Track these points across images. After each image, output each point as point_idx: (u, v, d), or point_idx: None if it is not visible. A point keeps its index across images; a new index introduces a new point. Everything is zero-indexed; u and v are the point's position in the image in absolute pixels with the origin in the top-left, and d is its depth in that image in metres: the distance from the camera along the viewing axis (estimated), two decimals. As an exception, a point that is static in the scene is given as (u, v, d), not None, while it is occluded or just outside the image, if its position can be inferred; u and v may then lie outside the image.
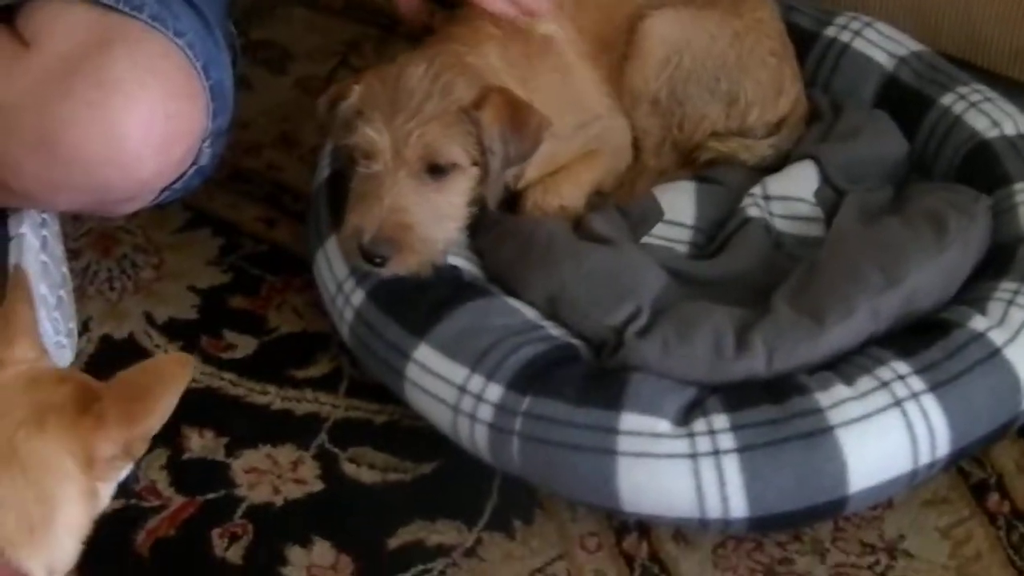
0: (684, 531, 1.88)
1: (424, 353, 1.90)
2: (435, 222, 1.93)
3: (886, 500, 1.89)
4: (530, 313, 1.96)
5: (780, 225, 2.12)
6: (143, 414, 1.40)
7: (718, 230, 2.14)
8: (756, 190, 2.14)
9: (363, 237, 1.90)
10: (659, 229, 2.15)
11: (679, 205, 2.15)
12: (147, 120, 1.83)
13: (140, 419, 1.40)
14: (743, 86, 2.20)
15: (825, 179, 2.16)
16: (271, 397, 2.08)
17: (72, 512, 1.40)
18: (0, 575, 1.35)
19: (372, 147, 1.91)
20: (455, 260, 2.02)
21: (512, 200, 2.11)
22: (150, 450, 1.87)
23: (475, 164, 1.94)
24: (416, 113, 1.90)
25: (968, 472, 1.95)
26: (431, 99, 1.91)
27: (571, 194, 2.12)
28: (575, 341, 1.95)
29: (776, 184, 2.15)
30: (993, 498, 1.92)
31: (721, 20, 2.18)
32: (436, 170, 1.92)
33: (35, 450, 1.38)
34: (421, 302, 1.94)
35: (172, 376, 1.41)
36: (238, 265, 2.29)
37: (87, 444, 1.40)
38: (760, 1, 2.25)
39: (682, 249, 2.14)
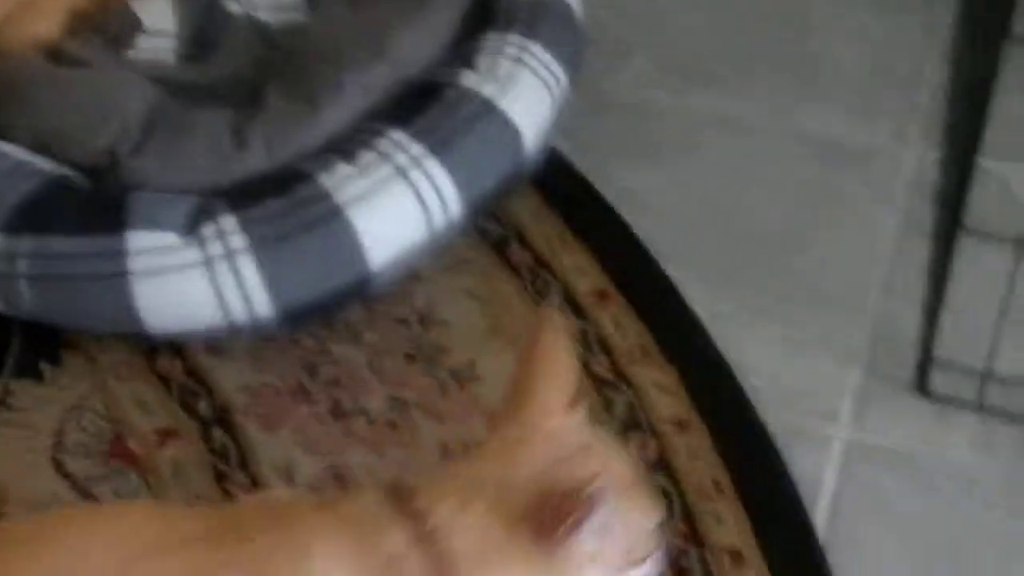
0: (217, 343, 1.85)
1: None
2: None
3: (411, 272, 1.89)
4: (14, 151, 1.85)
5: (264, 17, 2.07)
6: None
7: (203, 33, 2.07)
8: (234, -16, 2.08)
9: None
10: (144, 42, 2.06)
11: (159, 14, 2.08)
12: None
13: None
14: None
15: (305, -35, 2.11)
16: None
17: None
18: None
19: None
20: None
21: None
22: None
23: None
24: None
25: (487, 230, 1.97)
26: None
27: (45, 24, 2.01)
28: (68, 171, 1.86)
29: (253, -25, 2.10)
30: (514, 251, 1.95)
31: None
32: None
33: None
34: None
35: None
36: None
37: None
38: None
39: (170, 59, 2.06)
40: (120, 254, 1.73)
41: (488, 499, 1.25)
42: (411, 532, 1.24)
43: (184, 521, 1.28)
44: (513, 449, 1.29)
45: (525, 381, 1.31)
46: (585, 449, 1.30)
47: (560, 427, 1.31)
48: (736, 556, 1.68)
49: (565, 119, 1.96)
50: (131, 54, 2.05)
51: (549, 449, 1.28)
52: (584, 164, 2.07)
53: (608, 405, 1.80)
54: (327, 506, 1.29)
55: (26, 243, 1.76)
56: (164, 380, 1.83)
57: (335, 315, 1.87)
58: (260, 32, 2.05)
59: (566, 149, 2.04)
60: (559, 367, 1.32)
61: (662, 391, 1.82)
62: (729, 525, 1.71)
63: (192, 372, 1.84)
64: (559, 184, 2.02)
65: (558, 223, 1.99)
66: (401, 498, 1.26)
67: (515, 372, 1.32)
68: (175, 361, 1.84)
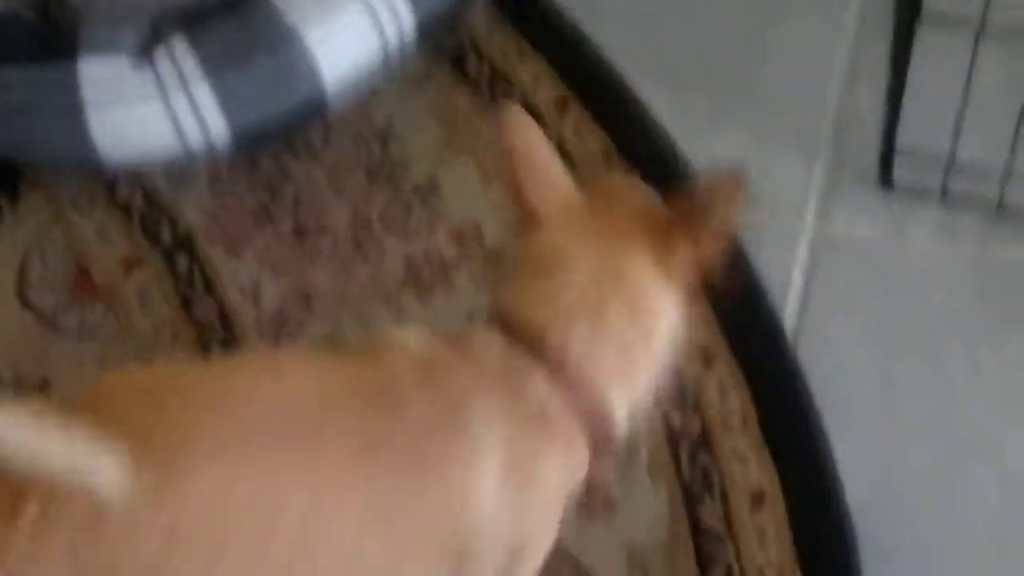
0: (176, 170, 1.83)
1: None
2: None
3: (368, 90, 1.86)
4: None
5: None
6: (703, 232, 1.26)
7: None
8: None
9: None
10: None
11: None
12: None
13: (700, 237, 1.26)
14: None
15: None
16: None
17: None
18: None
19: None
20: None
21: None
22: None
23: None
24: None
25: (443, 44, 1.94)
26: None
27: None
28: (13, 2, 1.83)
29: None
30: (471, 64, 1.93)
31: None
32: None
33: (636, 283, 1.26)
34: None
35: (728, 195, 1.27)
36: None
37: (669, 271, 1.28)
38: None
39: None
40: (73, 81, 1.71)
41: (614, 307, 1.24)
42: (549, 372, 1.20)
43: (338, 381, 1.20)
44: (596, 237, 1.26)
45: (533, 173, 1.26)
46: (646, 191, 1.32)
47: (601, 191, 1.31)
48: (706, 354, 1.69)
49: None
50: None
51: (630, 215, 1.28)
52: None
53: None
54: (467, 358, 1.22)
55: (-24, 76, 1.73)
56: (125, 210, 1.82)
57: (293, 136, 1.85)
58: None
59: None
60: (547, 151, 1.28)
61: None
62: (698, 326, 1.71)
63: (152, 200, 1.83)
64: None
65: (514, 34, 1.96)
66: (530, 337, 1.22)
67: (517, 173, 1.26)
68: (135, 190, 1.83)
